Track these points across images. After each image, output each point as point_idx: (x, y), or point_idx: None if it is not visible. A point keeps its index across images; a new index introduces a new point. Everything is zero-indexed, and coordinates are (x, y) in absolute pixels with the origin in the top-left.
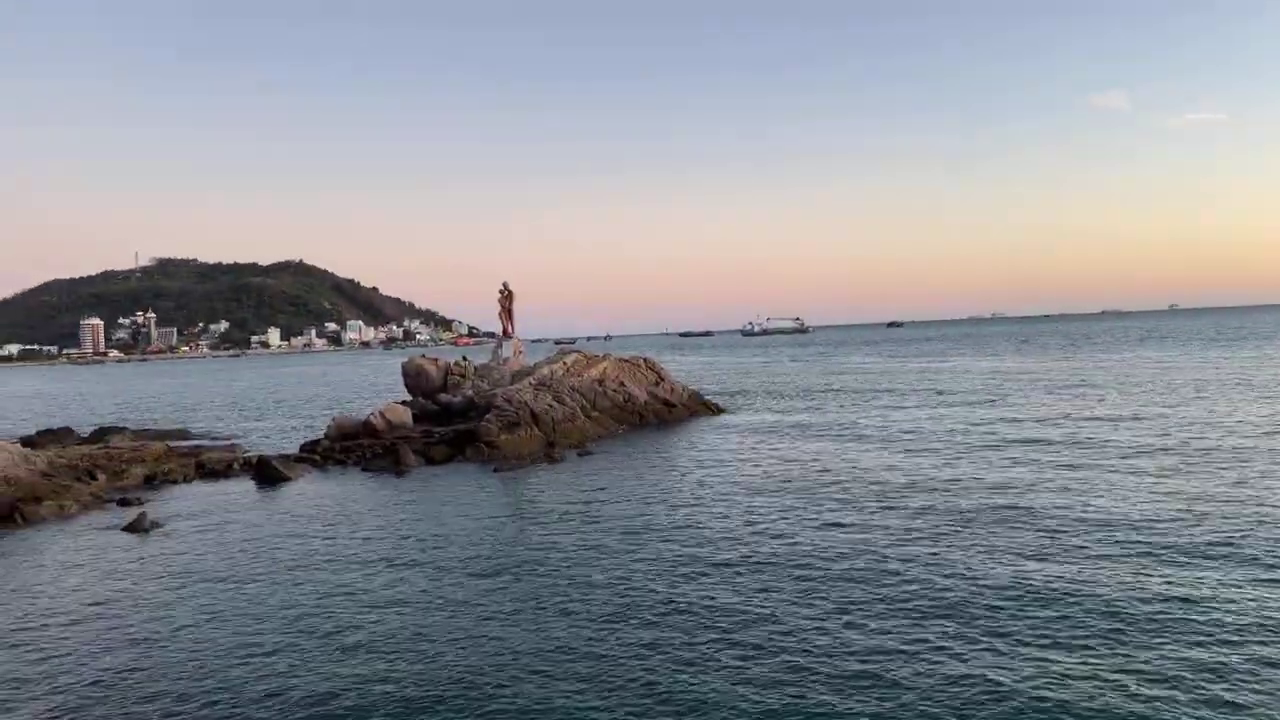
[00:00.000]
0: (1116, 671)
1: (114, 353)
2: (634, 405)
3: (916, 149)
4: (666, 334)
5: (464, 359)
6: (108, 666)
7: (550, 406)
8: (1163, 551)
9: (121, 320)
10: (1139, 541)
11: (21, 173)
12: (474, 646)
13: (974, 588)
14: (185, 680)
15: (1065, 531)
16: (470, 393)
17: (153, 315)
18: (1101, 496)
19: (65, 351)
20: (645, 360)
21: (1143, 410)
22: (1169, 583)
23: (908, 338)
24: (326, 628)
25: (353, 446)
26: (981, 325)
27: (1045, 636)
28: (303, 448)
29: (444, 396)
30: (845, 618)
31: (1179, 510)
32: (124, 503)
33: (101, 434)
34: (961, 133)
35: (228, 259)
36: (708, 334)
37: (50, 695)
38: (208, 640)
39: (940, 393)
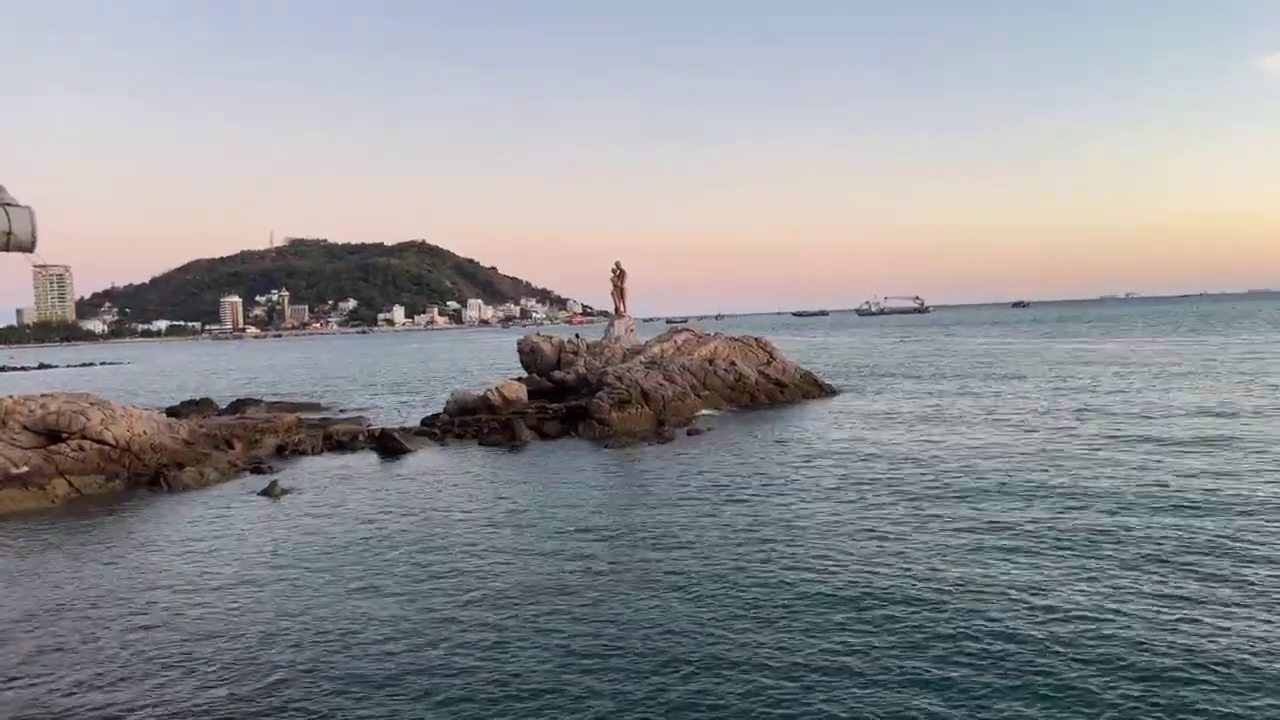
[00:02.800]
0: None
1: (251, 329)
2: (744, 385)
3: (1057, 126)
4: (780, 313)
5: (577, 336)
6: (249, 619)
7: (660, 385)
8: None
9: (258, 298)
10: None
11: (170, 157)
12: (587, 615)
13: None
14: (315, 630)
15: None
16: (583, 370)
17: (286, 293)
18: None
19: (207, 327)
20: (756, 339)
21: None
22: None
23: (1035, 318)
24: (443, 587)
25: (470, 421)
26: (1115, 306)
27: None
28: (423, 422)
29: (557, 373)
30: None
31: None
32: (257, 471)
33: (238, 406)
34: (1103, 99)
35: (355, 239)
36: (823, 313)
37: (216, 640)
38: (331, 594)
39: (1079, 384)
